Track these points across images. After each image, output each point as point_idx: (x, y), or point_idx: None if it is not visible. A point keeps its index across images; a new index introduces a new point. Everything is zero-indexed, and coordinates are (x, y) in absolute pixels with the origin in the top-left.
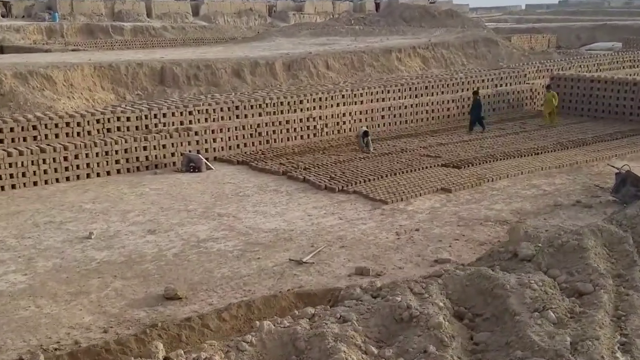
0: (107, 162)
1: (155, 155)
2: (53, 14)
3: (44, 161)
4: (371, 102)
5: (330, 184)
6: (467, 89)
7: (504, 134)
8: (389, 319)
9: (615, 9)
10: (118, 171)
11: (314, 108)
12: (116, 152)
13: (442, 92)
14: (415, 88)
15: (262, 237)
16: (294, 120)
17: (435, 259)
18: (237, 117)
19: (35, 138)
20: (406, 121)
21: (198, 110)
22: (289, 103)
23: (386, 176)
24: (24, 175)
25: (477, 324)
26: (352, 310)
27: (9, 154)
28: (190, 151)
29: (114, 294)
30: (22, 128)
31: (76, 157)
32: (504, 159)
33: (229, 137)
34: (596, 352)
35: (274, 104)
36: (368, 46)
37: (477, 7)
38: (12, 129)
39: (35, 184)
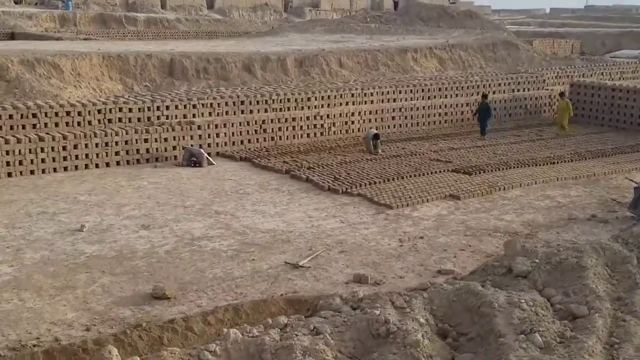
0: (106, 153)
1: (156, 148)
2: (67, 2)
3: (42, 150)
4: (382, 102)
5: (334, 185)
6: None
7: (519, 140)
8: (365, 334)
9: None
10: (117, 163)
11: (322, 106)
12: (116, 143)
13: (457, 95)
14: (429, 89)
15: (258, 237)
16: (301, 117)
17: (438, 269)
18: (242, 112)
19: (34, 126)
20: (417, 123)
21: (202, 104)
22: (296, 100)
23: (393, 179)
24: (20, 163)
25: (462, 343)
26: (327, 322)
27: (7, 142)
28: (192, 145)
29: (101, 290)
30: (22, 115)
31: (75, 147)
32: (517, 167)
33: (233, 133)
34: None
35: (280, 100)
36: (383, 45)
37: (500, 9)
38: (11, 116)
39: (32, 172)
